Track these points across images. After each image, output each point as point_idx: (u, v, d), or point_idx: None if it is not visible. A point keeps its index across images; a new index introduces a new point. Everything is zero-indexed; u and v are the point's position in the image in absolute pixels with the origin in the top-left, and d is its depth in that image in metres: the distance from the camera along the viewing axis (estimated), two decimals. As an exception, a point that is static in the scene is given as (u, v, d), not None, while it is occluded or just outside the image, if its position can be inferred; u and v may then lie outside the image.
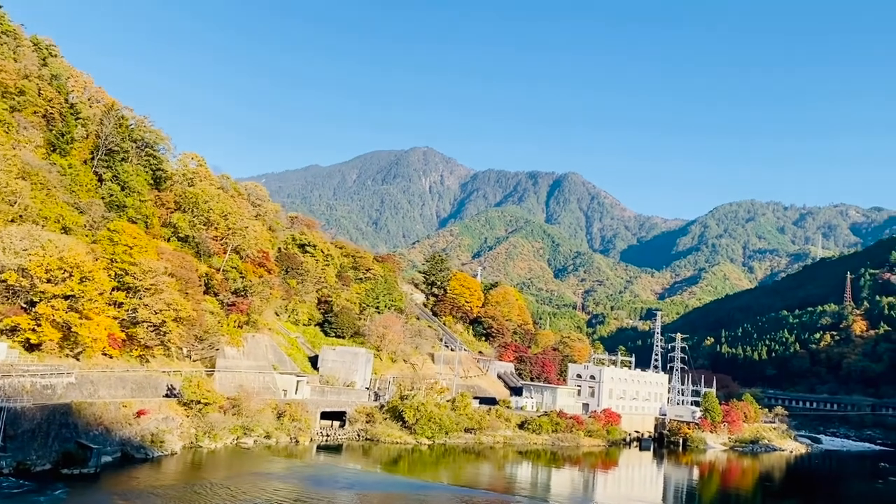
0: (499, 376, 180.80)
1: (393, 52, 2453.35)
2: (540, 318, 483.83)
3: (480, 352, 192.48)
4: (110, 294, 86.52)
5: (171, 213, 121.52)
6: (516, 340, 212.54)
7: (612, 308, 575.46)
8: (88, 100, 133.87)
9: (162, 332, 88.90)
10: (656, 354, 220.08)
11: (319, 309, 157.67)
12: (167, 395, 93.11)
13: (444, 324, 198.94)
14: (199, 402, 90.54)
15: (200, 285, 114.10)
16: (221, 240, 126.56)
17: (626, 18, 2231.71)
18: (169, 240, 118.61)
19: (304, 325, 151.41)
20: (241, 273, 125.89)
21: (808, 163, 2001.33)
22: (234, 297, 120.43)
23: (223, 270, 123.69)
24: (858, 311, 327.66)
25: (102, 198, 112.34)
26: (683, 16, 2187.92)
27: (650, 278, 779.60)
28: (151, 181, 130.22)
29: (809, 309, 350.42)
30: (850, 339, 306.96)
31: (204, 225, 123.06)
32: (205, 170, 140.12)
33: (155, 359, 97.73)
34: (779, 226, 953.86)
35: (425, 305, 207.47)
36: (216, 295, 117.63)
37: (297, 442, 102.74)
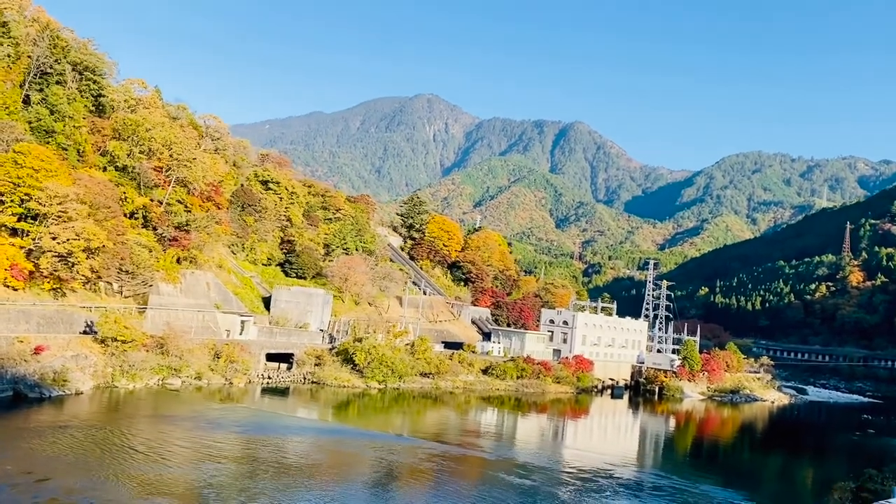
0: (473, 321, 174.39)
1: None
2: (535, 267, 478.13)
3: (458, 297, 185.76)
4: (15, 221, 79.55)
5: (108, 141, 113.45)
6: (497, 286, 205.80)
7: (609, 258, 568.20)
8: (25, 19, 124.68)
9: (70, 264, 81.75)
10: (647, 303, 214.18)
11: (282, 249, 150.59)
12: (85, 332, 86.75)
13: (422, 268, 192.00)
14: (116, 340, 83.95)
15: (133, 216, 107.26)
16: (166, 171, 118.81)
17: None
18: (105, 169, 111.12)
19: (263, 264, 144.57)
20: (186, 207, 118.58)
21: (817, 114, 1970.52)
22: (177, 232, 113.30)
23: (166, 203, 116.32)
24: (856, 262, 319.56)
25: (29, 122, 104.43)
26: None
27: (652, 229, 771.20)
28: (93, 108, 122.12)
29: (806, 259, 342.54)
30: (846, 290, 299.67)
31: (145, 154, 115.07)
32: (154, 98, 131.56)
33: (76, 293, 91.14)
34: (785, 178, 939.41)
35: (402, 249, 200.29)
36: (155, 229, 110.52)
37: (231, 384, 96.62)
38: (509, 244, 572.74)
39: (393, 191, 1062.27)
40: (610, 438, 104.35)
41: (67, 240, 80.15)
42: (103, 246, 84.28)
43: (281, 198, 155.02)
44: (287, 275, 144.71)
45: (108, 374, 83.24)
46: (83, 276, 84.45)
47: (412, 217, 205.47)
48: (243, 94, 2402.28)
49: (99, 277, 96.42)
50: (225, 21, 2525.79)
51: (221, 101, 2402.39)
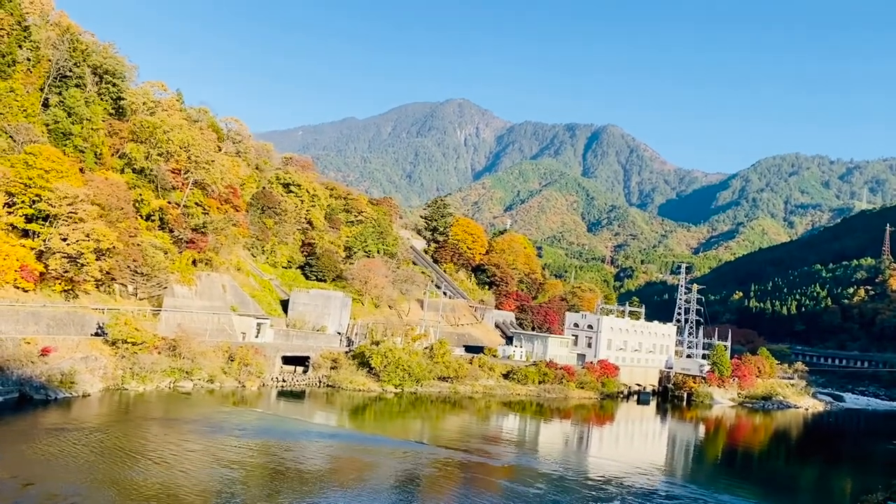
0: (496, 325, 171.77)
1: (429, 4, 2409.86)
2: (565, 271, 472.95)
3: (482, 300, 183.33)
4: (25, 223, 79.20)
5: (126, 143, 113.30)
6: (522, 290, 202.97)
7: (642, 262, 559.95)
8: (47, 23, 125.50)
9: (79, 265, 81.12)
10: (679, 307, 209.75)
11: (303, 251, 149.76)
12: (97, 334, 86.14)
13: (445, 271, 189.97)
14: (126, 342, 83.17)
15: (149, 219, 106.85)
16: (184, 173, 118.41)
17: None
18: (123, 171, 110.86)
19: (283, 267, 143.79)
20: (204, 209, 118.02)
21: (857, 116, 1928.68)
22: (194, 234, 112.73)
23: (183, 206, 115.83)
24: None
25: (47, 125, 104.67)
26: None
27: (686, 233, 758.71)
28: (112, 111, 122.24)
29: (844, 263, 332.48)
30: (886, 294, 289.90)
31: (162, 157, 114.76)
32: (173, 101, 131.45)
33: (88, 295, 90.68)
34: (823, 180, 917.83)
35: (426, 252, 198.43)
36: (171, 231, 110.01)
37: (243, 387, 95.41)
38: (539, 248, 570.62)
39: (424, 195, 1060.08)
40: (637, 446, 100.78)
41: (77, 241, 79.53)
42: (114, 247, 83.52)
43: (302, 200, 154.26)
44: (307, 278, 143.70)
45: (118, 377, 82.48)
46: (93, 277, 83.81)
47: (436, 220, 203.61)
48: (277, 102, 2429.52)
49: (113, 279, 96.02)
50: (262, 32, 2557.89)
51: (256, 108, 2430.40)
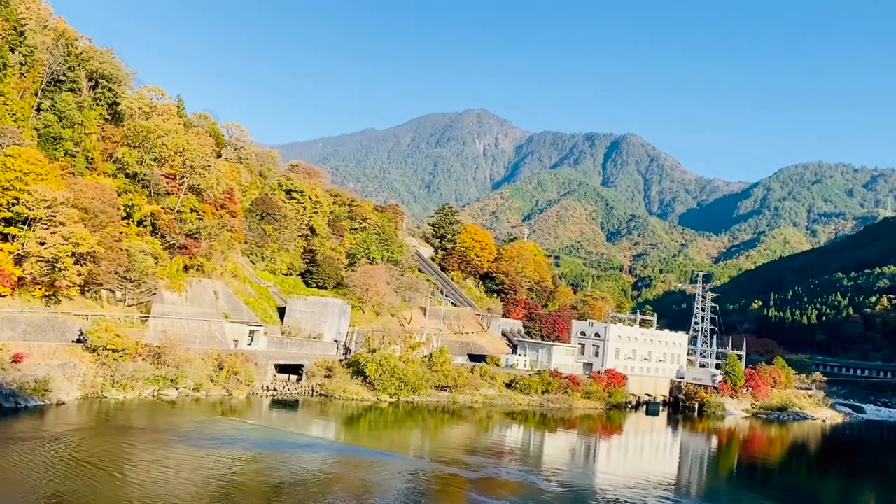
0: (503, 334, 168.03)
1: (450, 13, 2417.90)
2: (582, 281, 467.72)
3: (489, 308, 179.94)
4: (3, 226, 77.36)
5: (119, 147, 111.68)
6: (532, 298, 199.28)
7: (661, 271, 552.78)
8: (44, 28, 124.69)
9: (56, 269, 79.02)
10: (696, 317, 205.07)
11: (304, 258, 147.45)
12: (78, 341, 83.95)
13: (452, 279, 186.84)
14: (107, 349, 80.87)
15: (141, 224, 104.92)
16: (179, 178, 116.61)
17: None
18: (115, 176, 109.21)
19: (283, 274, 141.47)
20: (199, 215, 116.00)
21: (881, 124, 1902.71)
22: (187, 240, 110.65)
23: (177, 211, 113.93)
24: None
25: (37, 129, 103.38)
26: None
27: (706, 242, 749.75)
28: (108, 116, 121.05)
29: (867, 271, 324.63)
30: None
31: (156, 161, 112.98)
32: (169, 105, 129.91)
33: (72, 301, 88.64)
34: (847, 188, 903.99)
35: (433, 259, 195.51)
36: (163, 237, 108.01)
37: (231, 396, 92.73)
38: (556, 258, 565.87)
39: (442, 205, 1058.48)
40: (647, 460, 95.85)
41: (54, 245, 77.42)
42: (94, 251, 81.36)
43: (304, 207, 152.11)
44: (308, 285, 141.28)
45: (98, 385, 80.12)
46: (72, 282, 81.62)
47: (443, 227, 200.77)
48: (299, 115, 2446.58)
49: (100, 285, 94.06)
50: (287, 50, 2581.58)
51: (278, 121, 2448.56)
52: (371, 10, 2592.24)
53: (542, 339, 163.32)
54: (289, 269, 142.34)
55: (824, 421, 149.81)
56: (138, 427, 69.45)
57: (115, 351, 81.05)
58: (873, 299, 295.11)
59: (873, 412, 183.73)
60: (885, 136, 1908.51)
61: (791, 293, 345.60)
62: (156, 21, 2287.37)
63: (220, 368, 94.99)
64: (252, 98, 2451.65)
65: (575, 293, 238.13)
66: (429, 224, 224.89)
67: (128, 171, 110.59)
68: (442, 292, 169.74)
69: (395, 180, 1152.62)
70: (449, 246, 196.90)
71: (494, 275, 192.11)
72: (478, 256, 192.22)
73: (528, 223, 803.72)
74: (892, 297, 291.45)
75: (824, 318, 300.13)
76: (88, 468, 51.48)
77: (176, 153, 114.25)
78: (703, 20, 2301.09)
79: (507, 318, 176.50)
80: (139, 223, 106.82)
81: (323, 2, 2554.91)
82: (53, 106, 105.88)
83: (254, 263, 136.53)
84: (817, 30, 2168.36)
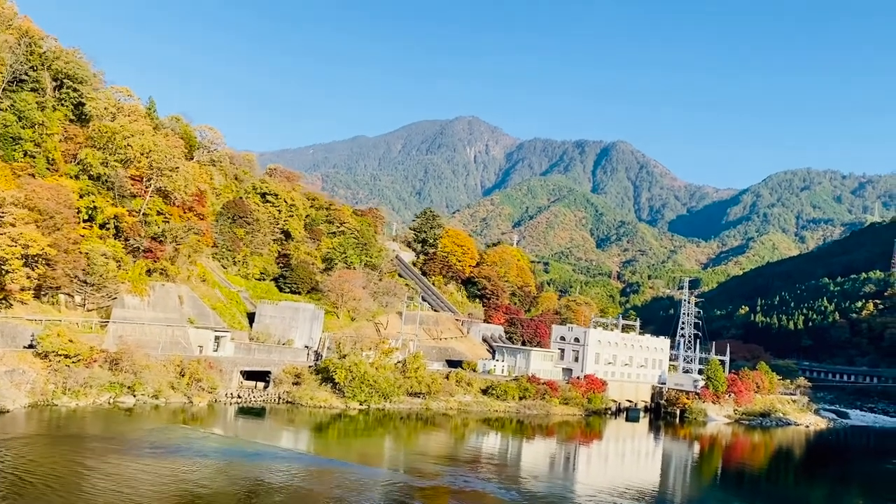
0: (484, 339, 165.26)
1: (440, 20, 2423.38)
2: (571, 287, 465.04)
3: (470, 314, 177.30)
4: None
5: (82, 148, 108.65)
6: (515, 303, 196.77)
7: (649, 277, 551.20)
8: (8, 28, 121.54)
9: (5, 272, 75.99)
10: (681, 322, 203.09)
11: (278, 263, 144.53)
12: (31, 346, 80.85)
13: (434, 283, 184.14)
14: (59, 354, 77.82)
15: (104, 227, 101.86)
16: (146, 180, 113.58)
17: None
18: (77, 177, 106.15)
19: (256, 279, 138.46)
20: (165, 218, 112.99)
21: (868, 131, 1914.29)
22: (152, 243, 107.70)
23: (143, 213, 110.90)
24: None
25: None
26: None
27: (695, 248, 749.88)
28: (74, 116, 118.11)
29: (853, 276, 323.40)
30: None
31: (121, 163, 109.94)
32: (136, 106, 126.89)
33: (25, 305, 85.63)
34: (836, 195, 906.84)
35: (414, 264, 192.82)
36: (127, 240, 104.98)
37: (191, 403, 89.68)
38: (545, 264, 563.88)
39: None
40: (628, 468, 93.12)
41: (1, 246, 74.41)
42: (45, 253, 78.37)
43: (279, 210, 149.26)
44: (281, 290, 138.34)
45: (49, 392, 77.08)
46: (21, 285, 78.57)
47: (425, 231, 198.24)
48: (290, 122, 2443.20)
49: (57, 289, 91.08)
50: (276, 56, 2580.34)
51: (269, 128, 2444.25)
52: (361, 16, 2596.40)
53: (524, 345, 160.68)
54: (262, 273, 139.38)
55: (807, 426, 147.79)
56: (81, 436, 66.37)
57: (67, 357, 78.03)
58: (859, 304, 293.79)
59: (858, 417, 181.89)
60: (872, 143, 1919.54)
61: (778, 298, 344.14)
62: (149, 30, 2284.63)
63: (182, 375, 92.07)
64: (242, 105, 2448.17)
65: (560, 299, 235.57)
66: (410, 228, 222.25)
67: (91, 173, 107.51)
68: (423, 298, 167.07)
69: (386, 187, 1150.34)
70: (431, 250, 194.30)
71: (476, 279, 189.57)
72: (459, 261, 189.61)
73: (518, 230, 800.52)
74: (877, 301, 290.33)
75: (811, 324, 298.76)
76: (26, 479, 48.45)
77: (142, 155, 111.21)
78: (692, 28, 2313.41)
79: (488, 323, 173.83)
80: (102, 226, 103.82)
81: (311, 8, 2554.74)
82: (13, 105, 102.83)
83: (225, 268, 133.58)
84: (806, 38, 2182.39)
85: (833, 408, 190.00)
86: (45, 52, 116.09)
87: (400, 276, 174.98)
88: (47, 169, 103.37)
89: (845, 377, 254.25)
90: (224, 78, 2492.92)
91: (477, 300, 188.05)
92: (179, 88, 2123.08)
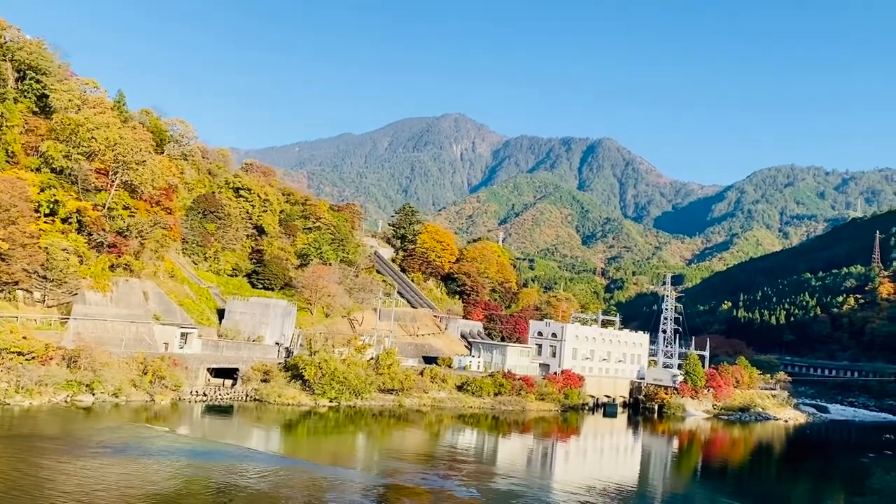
0: (462, 335, 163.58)
1: (426, 17, 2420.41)
2: (555, 283, 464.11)
3: (449, 310, 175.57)
4: None
5: (44, 141, 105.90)
6: (495, 299, 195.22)
7: (634, 273, 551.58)
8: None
9: (-47, 266, 73.51)
10: (664, 317, 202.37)
11: (251, 259, 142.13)
12: (-15, 344, 78.23)
13: (413, 280, 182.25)
14: (11, 352, 75.33)
15: (66, 221, 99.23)
16: (112, 174, 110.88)
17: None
18: (39, 170, 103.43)
19: (228, 275, 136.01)
20: (131, 212, 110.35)
21: (852, 128, 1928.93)
22: (117, 238, 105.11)
23: (108, 207, 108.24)
24: (886, 273, 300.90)
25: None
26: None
27: (680, 244, 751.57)
28: (37, 109, 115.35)
29: (834, 271, 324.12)
30: (876, 302, 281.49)
31: (85, 156, 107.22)
32: (101, 99, 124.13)
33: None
34: (819, 191, 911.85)
35: (393, 260, 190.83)
36: (90, 234, 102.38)
37: (153, 401, 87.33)
38: (531, 261, 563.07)
39: (420, 210, 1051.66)
40: (607, 464, 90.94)
41: (-51, 239, 71.97)
42: (-4, 247, 75.86)
43: (253, 205, 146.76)
44: (254, 286, 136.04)
45: (1, 390, 74.55)
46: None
47: (404, 227, 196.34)
48: (275, 119, 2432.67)
49: (14, 284, 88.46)
50: (260, 52, 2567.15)
51: (253, 125, 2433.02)
52: (346, 13, 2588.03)
53: (503, 341, 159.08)
54: (234, 269, 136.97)
55: (787, 421, 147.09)
56: (26, 435, 63.92)
57: (20, 354, 75.54)
58: (840, 299, 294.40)
59: (838, 412, 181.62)
60: (855, 140, 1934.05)
61: (760, 294, 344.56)
62: (136, 30, 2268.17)
63: (145, 373, 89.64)
64: (227, 103, 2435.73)
65: (542, 296, 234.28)
66: (389, 224, 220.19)
67: (54, 166, 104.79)
68: (401, 294, 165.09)
69: (372, 185, 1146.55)
70: (410, 246, 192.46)
71: (456, 276, 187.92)
72: (439, 257, 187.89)
73: (504, 227, 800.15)
74: (858, 296, 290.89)
75: (792, 319, 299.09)
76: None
77: (107, 148, 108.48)
78: (679, 25, 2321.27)
79: (467, 319, 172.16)
80: (65, 220, 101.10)
81: (296, 5, 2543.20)
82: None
83: (196, 264, 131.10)
84: (789, 34, 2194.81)
85: (813, 402, 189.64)
86: (6, 43, 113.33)
87: (378, 272, 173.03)
88: (7, 162, 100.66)
89: (826, 372, 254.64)
90: (209, 76, 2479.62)
91: (457, 296, 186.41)
92: (164, 87, 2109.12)
